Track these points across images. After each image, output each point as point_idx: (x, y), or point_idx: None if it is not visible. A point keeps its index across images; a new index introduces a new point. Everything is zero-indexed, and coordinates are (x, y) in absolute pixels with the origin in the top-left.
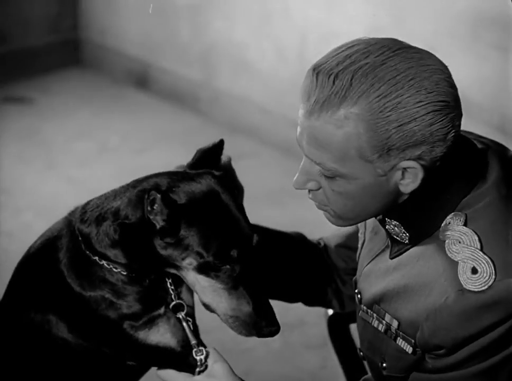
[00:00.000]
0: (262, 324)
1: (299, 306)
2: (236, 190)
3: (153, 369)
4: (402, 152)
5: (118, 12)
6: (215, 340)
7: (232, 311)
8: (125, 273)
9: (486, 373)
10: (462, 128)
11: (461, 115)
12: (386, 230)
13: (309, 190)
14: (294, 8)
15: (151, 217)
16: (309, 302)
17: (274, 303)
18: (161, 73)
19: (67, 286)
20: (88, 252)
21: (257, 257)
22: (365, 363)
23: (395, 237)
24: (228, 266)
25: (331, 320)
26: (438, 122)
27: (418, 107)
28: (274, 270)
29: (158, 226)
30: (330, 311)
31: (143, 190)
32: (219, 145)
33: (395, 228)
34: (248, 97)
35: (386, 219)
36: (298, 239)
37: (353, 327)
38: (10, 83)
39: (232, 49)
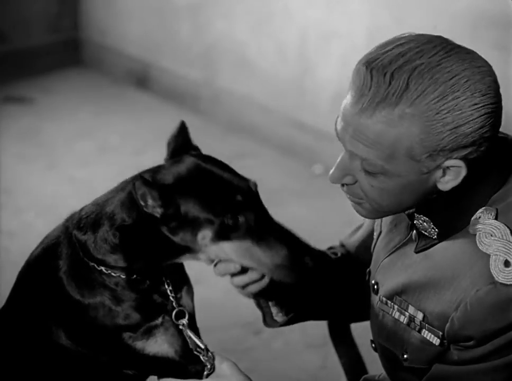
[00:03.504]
0: (305, 259)
1: None
2: None
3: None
4: (451, 153)
5: (118, 12)
6: (215, 340)
7: (272, 261)
8: (124, 276)
9: (510, 366)
10: None
11: (502, 110)
12: (414, 225)
13: (344, 185)
14: (294, 7)
15: (148, 210)
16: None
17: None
18: (161, 73)
19: (66, 294)
20: (85, 259)
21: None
22: (377, 354)
23: (423, 232)
24: (241, 217)
25: (331, 320)
26: (488, 124)
27: (473, 109)
28: (310, 297)
29: (158, 215)
30: None
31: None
32: (182, 128)
33: (424, 223)
34: (249, 97)
35: (416, 214)
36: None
37: (353, 327)
38: (10, 83)
39: (232, 48)
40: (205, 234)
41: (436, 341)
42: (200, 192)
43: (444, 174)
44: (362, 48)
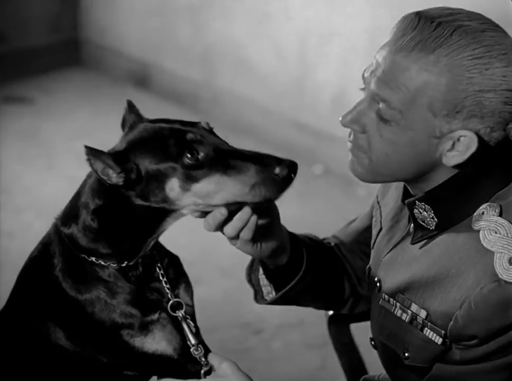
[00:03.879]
0: (274, 169)
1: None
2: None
3: (152, 378)
4: (467, 120)
5: (118, 12)
6: (215, 340)
7: (245, 184)
8: (114, 265)
9: None
10: None
11: None
12: (412, 214)
13: (351, 134)
14: (293, 8)
15: (113, 182)
16: (328, 306)
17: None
18: (161, 73)
19: (63, 292)
20: (76, 252)
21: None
22: (377, 352)
23: (420, 222)
24: (200, 153)
25: (331, 320)
26: (510, 104)
27: (502, 80)
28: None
29: (122, 182)
30: (331, 311)
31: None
32: (131, 105)
33: (424, 212)
34: (248, 97)
35: (417, 202)
36: (313, 245)
37: (353, 327)
38: (10, 83)
39: (232, 49)
40: (172, 184)
41: (438, 340)
42: (152, 146)
43: (453, 147)
44: (362, 48)
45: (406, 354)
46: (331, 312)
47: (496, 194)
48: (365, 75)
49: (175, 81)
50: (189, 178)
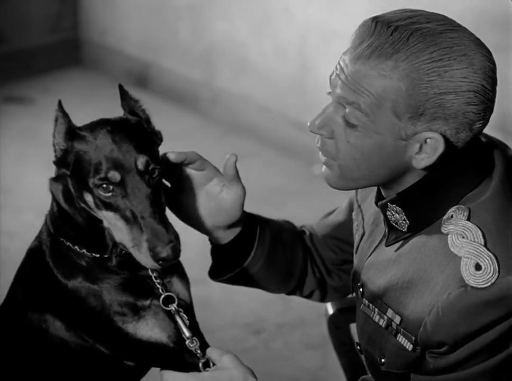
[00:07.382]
0: (156, 250)
1: (299, 305)
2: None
3: (154, 371)
4: (432, 121)
5: (118, 12)
6: (215, 340)
7: (133, 243)
8: (89, 254)
9: (487, 374)
10: None
11: (492, 111)
12: (385, 216)
13: (318, 140)
14: (294, 7)
15: (56, 153)
16: (291, 291)
17: (273, 302)
18: (161, 73)
19: (55, 279)
20: (55, 234)
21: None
22: (363, 357)
23: (393, 224)
24: (115, 192)
25: (331, 320)
26: (474, 104)
27: (462, 82)
28: (267, 257)
29: (59, 156)
30: (331, 311)
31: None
32: (120, 90)
33: (396, 214)
34: (249, 97)
35: (389, 204)
36: (288, 228)
37: (353, 327)
38: (10, 83)
39: (232, 49)
40: (88, 197)
41: (409, 346)
42: (86, 156)
43: (420, 150)
44: None
45: (382, 360)
46: (331, 312)
47: (466, 196)
48: (331, 78)
49: (175, 81)
50: (101, 202)
